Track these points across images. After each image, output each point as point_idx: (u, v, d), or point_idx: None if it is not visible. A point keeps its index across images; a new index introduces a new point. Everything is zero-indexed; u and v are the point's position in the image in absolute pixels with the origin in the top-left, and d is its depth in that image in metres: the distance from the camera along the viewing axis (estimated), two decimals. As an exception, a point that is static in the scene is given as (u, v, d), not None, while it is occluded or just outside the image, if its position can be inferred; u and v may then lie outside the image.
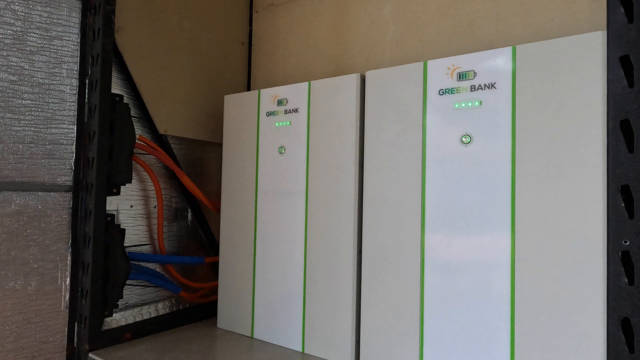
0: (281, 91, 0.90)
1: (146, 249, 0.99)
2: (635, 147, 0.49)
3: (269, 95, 0.91)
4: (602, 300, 0.56)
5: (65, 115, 0.81)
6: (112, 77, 0.86)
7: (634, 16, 0.49)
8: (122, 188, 0.92)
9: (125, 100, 0.92)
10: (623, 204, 0.49)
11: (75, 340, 0.82)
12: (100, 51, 0.82)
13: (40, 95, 0.78)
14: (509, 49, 0.65)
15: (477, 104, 0.68)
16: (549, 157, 0.61)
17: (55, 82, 0.80)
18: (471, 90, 0.68)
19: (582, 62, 0.59)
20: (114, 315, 0.88)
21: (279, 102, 0.90)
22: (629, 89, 0.49)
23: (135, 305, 0.95)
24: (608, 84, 0.51)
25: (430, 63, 0.72)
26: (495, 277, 0.64)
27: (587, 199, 0.58)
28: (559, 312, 0.59)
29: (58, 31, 0.81)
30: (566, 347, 0.59)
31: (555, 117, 0.61)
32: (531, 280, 0.62)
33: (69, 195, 0.81)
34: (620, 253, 0.49)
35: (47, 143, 0.79)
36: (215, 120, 1.11)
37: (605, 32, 0.54)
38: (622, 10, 0.49)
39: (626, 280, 0.49)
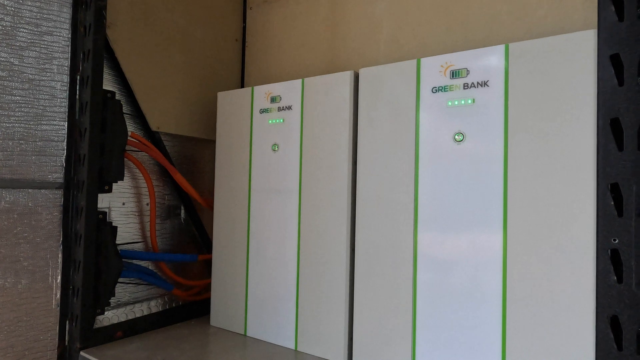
0: (275, 88, 0.89)
1: (138, 246, 0.99)
2: (624, 145, 0.49)
3: (262, 93, 0.91)
4: (592, 298, 0.57)
5: (56, 112, 0.80)
6: (104, 73, 0.85)
7: (625, 15, 0.49)
8: (114, 185, 0.91)
9: (117, 96, 0.92)
10: (612, 202, 0.50)
11: (66, 338, 0.81)
12: (91, 47, 0.81)
13: (31, 91, 0.77)
14: (502, 47, 0.66)
15: (470, 101, 0.68)
16: (540, 155, 0.61)
17: (46, 78, 0.79)
18: (464, 88, 0.68)
19: (574, 61, 0.60)
20: (105, 313, 0.88)
21: (273, 99, 0.89)
22: (619, 88, 0.50)
23: (127, 303, 0.95)
24: (598, 82, 0.51)
25: (423, 61, 0.72)
26: (487, 275, 0.65)
27: (578, 197, 0.58)
28: (550, 310, 0.60)
29: (48, 26, 0.80)
30: (556, 345, 0.59)
31: (547, 115, 0.61)
32: (522, 278, 0.62)
33: (60, 192, 0.81)
34: (609, 251, 0.50)
35: (38, 140, 0.78)
36: (209, 117, 1.11)
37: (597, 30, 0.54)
38: (613, 8, 0.50)
39: (615, 278, 0.49)
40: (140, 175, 0.99)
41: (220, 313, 0.96)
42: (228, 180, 0.96)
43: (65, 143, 0.82)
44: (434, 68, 0.71)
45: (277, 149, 0.88)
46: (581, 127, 0.59)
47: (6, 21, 0.74)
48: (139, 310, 0.95)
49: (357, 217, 0.78)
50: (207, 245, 1.12)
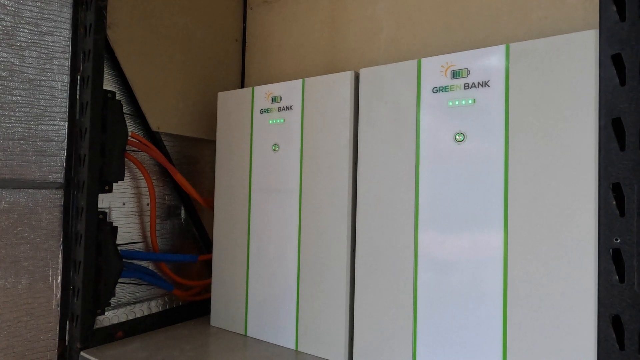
0: (275, 88, 0.89)
1: (139, 246, 0.99)
2: (626, 145, 0.49)
3: (262, 93, 0.91)
4: (594, 298, 0.57)
5: (56, 112, 0.80)
6: (104, 73, 0.85)
7: (626, 14, 0.49)
8: (115, 185, 0.91)
9: (118, 96, 0.92)
10: (614, 202, 0.50)
11: (66, 338, 0.81)
12: (92, 47, 0.81)
13: (31, 91, 0.77)
14: (503, 47, 0.66)
15: (470, 101, 0.68)
16: (541, 155, 0.61)
17: (46, 78, 0.79)
18: (465, 88, 0.68)
19: (575, 61, 0.60)
20: (106, 313, 0.88)
21: (273, 100, 0.89)
22: (621, 87, 0.50)
23: (127, 303, 0.95)
24: (600, 82, 0.51)
25: (424, 61, 0.72)
26: (488, 275, 0.65)
27: (579, 197, 0.58)
28: (551, 309, 0.60)
29: (49, 26, 0.80)
30: (558, 344, 0.59)
31: (548, 115, 0.61)
32: (523, 278, 0.62)
33: (60, 192, 0.81)
34: (611, 251, 0.50)
35: (38, 140, 0.78)
36: (209, 117, 1.11)
37: (598, 30, 0.54)
38: (614, 8, 0.50)
39: (617, 277, 0.49)
40: (141, 175, 0.98)
41: (221, 313, 0.96)
42: (228, 181, 0.96)
43: (65, 143, 0.81)
44: (434, 68, 0.71)
45: (277, 149, 0.88)
46: (582, 127, 0.59)
47: (7, 21, 0.74)
48: (139, 311, 0.95)
49: (357, 217, 0.78)
50: (207, 246, 1.12)
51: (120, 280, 0.90)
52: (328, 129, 0.81)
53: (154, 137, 1.01)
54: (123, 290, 0.95)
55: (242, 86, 1.22)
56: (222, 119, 0.98)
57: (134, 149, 0.96)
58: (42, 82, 0.79)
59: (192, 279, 1.07)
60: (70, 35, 0.82)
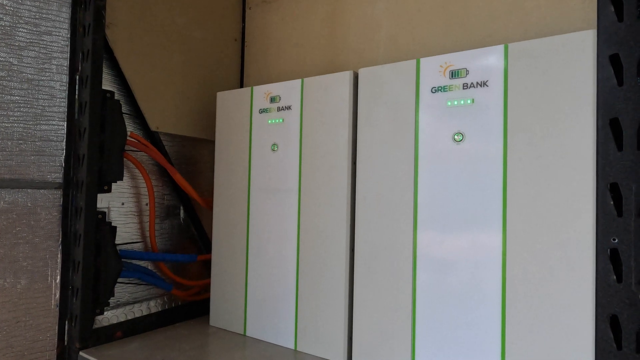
0: (274, 88, 0.89)
1: (138, 246, 0.99)
2: (624, 145, 0.49)
3: (261, 92, 0.91)
4: (592, 298, 0.57)
5: (55, 112, 0.80)
6: (103, 73, 0.85)
7: (624, 15, 0.49)
8: (114, 185, 0.91)
9: (117, 96, 0.92)
10: (612, 202, 0.50)
11: (65, 338, 0.81)
12: (90, 47, 0.81)
13: (30, 91, 0.77)
14: (501, 47, 0.66)
15: (469, 101, 0.68)
16: (540, 154, 0.61)
17: (45, 78, 0.79)
18: (464, 88, 0.68)
19: (574, 61, 0.60)
20: (105, 313, 0.88)
21: (272, 99, 0.89)
22: (619, 88, 0.50)
23: (126, 303, 0.95)
24: (598, 82, 0.51)
25: (423, 61, 0.72)
26: (486, 275, 0.65)
27: (577, 197, 0.59)
28: (549, 309, 0.60)
29: (47, 26, 0.80)
30: (556, 344, 0.59)
31: (547, 115, 0.61)
32: (522, 278, 0.62)
33: (59, 192, 0.81)
34: (609, 251, 0.50)
35: (37, 140, 0.78)
36: (208, 117, 1.11)
37: (596, 30, 0.55)
38: (612, 9, 0.50)
39: (614, 277, 0.49)
40: (140, 175, 0.98)
41: (220, 313, 0.96)
42: (227, 180, 0.96)
43: (64, 143, 0.81)
44: (433, 68, 0.71)
45: (276, 148, 0.88)
46: (580, 127, 0.59)
47: (5, 21, 0.74)
48: (139, 311, 0.95)
49: (356, 217, 0.78)
50: (206, 245, 1.12)
51: (119, 280, 0.90)
52: (327, 128, 0.81)
53: (153, 137, 1.01)
54: (122, 290, 0.95)
55: (241, 86, 1.22)
56: (221, 118, 0.98)
57: (133, 148, 0.96)
58: (41, 82, 0.78)
59: (191, 279, 1.07)
60: (69, 35, 0.82)
